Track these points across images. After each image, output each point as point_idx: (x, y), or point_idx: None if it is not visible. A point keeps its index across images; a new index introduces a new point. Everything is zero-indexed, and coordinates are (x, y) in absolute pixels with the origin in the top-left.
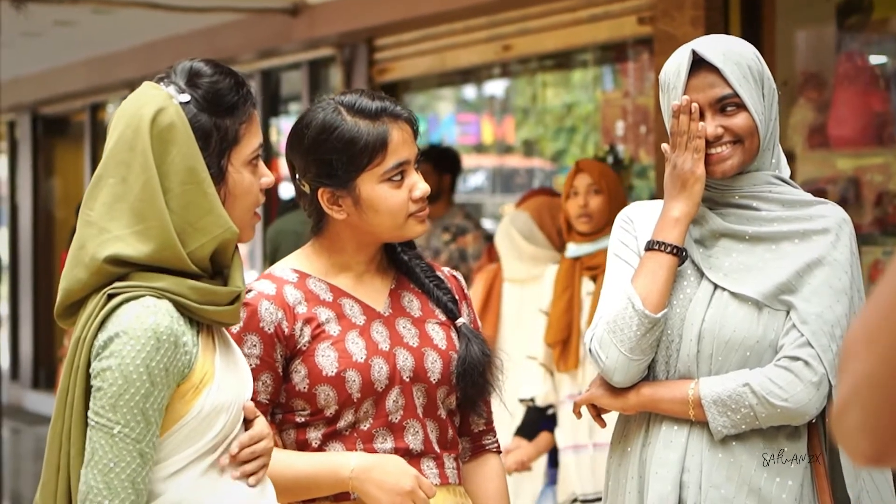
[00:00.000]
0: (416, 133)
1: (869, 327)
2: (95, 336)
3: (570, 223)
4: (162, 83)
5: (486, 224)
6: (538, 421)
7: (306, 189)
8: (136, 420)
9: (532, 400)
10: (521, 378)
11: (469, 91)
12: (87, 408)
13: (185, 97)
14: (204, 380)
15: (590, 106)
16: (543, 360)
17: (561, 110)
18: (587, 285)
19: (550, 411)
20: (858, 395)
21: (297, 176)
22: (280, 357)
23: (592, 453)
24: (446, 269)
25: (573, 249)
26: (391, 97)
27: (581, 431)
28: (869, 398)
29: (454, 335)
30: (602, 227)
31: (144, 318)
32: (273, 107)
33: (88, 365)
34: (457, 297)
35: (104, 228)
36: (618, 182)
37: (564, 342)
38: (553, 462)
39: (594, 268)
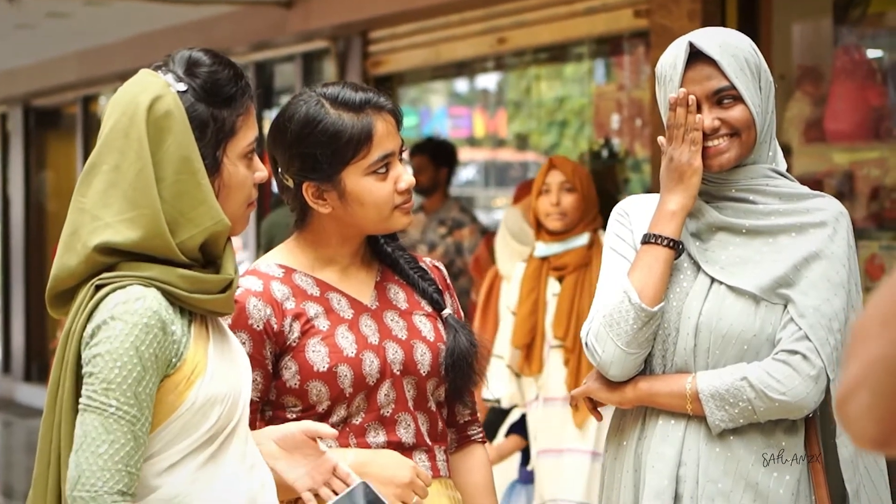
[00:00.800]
0: (399, 124)
1: (883, 310)
2: (84, 327)
3: (540, 221)
4: (160, 71)
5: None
6: (500, 422)
7: (290, 183)
8: (130, 403)
9: (498, 401)
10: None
11: (462, 84)
12: (77, 400)
13: (183, 86)
14: (196, 371)
15: (583, 99)
16: (509, 361)
17: (553, 104)
18: (553, 286)
19: (515, 413)
20: (869, 377)
21: (280, 170)
22: (270, 354)
23: (536, 461)
24: (428, 260)
25: (541, 249)
26: (373, 88)
27: (553, 436)
28: (880, 381)
29: (441, 326)
30: (574, 226)
31: (131, 304)
32: (267, 99)
33: (78, 357)
34: (440, 287)
35: (96, 216)
36: (591, 180)
37: (529, 345)
38: (525, 460)
39: (561, 268)
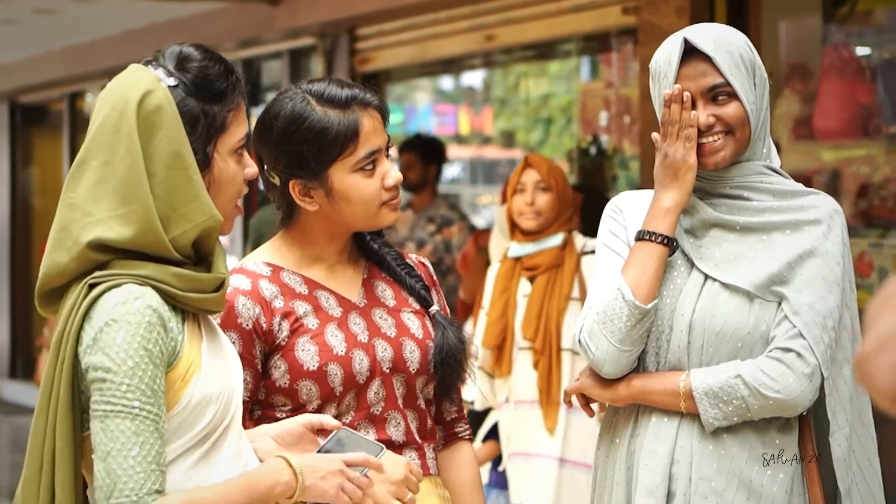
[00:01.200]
0: (385, 120)
1: None
2: (80, 328)
3: (515, 221)
4: (150, 66)
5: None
6: (477, 426)
7: (276, 181)
8: (151, 402)
9: (471, 403)
10: None
11: (449, 81)
12: (74, 402)
13: (173, 81)
14: (191, 369)
15: (570, 96)
16: (481, 362)
17: (540, 101)
18: (524, 287)
19: (493, 417)
20: None
21: (266, 168)
22: (259, 353)
23: (507, 464)
24: (414, 256)
25: (515, 249)
26: (359, 84)
27: (522, 439)
28: None
29: (428, 323)
30: (548, 225)
31: (130, 303)
32: (253, 97)
33: (74, 358)
34: (427, 284)
35: (87, 211)
36: (566, 180)
37: (499, 347)
38: (496, 462)
39: (532, 269)
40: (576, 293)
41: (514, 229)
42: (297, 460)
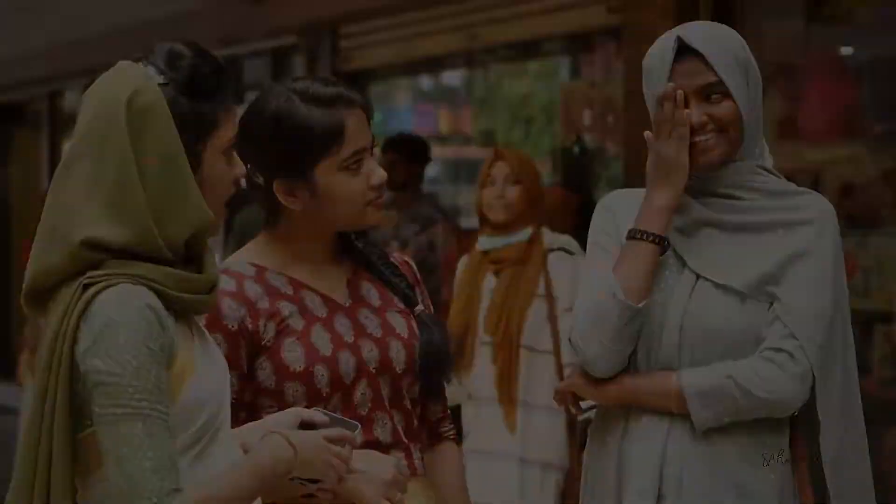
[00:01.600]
0: (370, 119)
1: None
2: (77, 329)
3: (483, 214)
4: (140, 63)
5: None
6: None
7: (260, 181)
8: (158, 400)
9: None
10: None
11: (429, 80)
12: (72, 405)
13: (164, 79)
14: (186, 371)
15: (556, 96)
16: None
17: (523, 100)
18: (490, 281)
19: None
20: None
21: (250, 167)
22: (244, 354)
23: (466, 460)
24: (397, 256)
25: (483, 242)
26: (343, 83)
27: (482, 436)
28: None
29: (414, 323)
30: (518, 218)
31: (128, 302)
32: (235, 96)
33: (72, 360)
34: (411, 283)
35: (79, 211)
36: (537, 173)
37: (461, 341)
38: None
39: (499, 262)
40: (541, 290)
41: (484, 222)
42: (293, 436)
